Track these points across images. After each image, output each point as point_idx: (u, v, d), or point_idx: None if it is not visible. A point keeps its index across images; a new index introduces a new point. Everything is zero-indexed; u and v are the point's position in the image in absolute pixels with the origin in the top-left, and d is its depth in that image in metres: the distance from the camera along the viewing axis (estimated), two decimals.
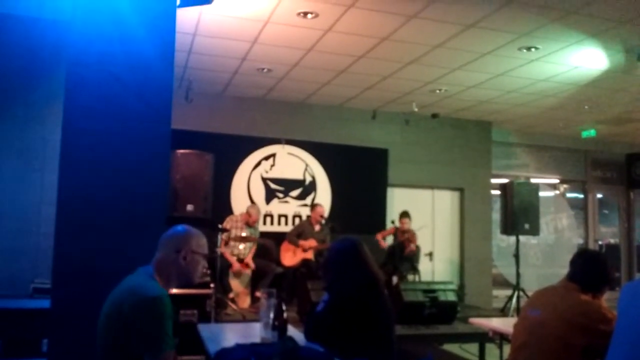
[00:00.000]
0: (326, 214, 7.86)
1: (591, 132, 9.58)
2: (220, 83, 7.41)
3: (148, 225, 3.32)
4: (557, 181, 10.70)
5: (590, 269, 2.74)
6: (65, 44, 3.44)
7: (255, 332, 2.85)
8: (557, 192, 10.74)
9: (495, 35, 5.46)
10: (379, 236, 7.71)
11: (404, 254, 7.51)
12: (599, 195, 11.08)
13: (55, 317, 3.15)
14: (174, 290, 4.90)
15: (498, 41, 5.61)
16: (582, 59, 6.07)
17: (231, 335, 3.17)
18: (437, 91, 7.51)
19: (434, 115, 8.71)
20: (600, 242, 10.72)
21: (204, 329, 3.24)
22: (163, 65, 3.48)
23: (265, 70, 6.78)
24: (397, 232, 7.61)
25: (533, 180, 9.35)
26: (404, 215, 7.69)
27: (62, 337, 3.11)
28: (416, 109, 8.12)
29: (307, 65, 6.52)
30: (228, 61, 6.47)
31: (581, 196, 10.94)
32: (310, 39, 5.70)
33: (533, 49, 5.79)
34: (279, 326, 2.63)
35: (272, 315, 2.65)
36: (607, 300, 2.79)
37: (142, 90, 3.40)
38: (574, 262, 2.81)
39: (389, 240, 7.89)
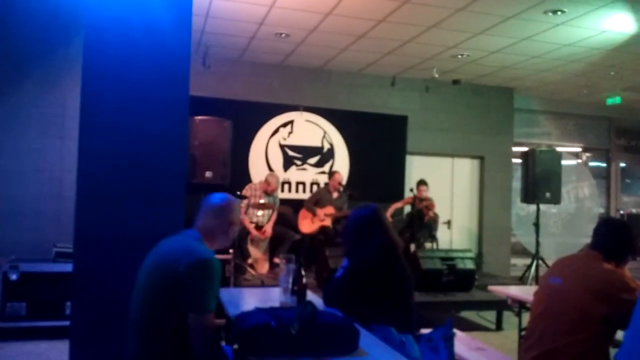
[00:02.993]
0: (344, 181, 7.85)
1: (616, 99, 9.34)
2: (238, 48, 7.34)
3: (167, 191, 3.34)
4: (579, 149, 10.52)
5: (615, 237, 2.70)
6: (82, 9, 3.41)
7: (275, 297, 2.87)
8: (580, 160, 10.57)
9: None
10: (392, 206, 7.63)
11: (423, 222, 7.47)
12: (622, 164, 10.88)
13: (77, 280, 3.20)
14: None
15: (523, 4, 5.43)
16: (610, 23, 5.87)
17: (251, 299, 3.20)
18: (459, 56, 7.35)
19: (455, 82, 8.55)
20: (621, 212, 10.57)
21: (224, 293, 3.27)
22: (180, 29, 3.44)
23: (283, 35, 6.69)
24: (415, 200, 7.55)
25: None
26: (422, 182, 7.63)
27: (85, 300, 3.17)
28: (437, 75, 7.98)
29: (325, 29, 6.41)
30: (245, 25, 6.39)
31: (604, 165, 10.76)
32: (329, 2, 5.58)
33: (559, 12, 5.61)
34: (299, 291, 2.63)
35: (291, 280, 2.65)
36: (630, 269, 2.76)
37: (160, 56, 3.38)
38: (597, 231, 2.77)
39: (407, 209, 7.86)
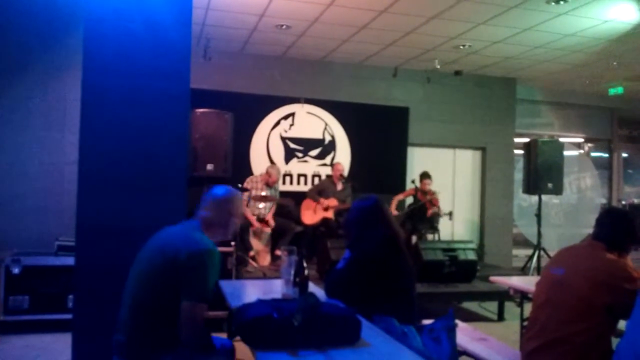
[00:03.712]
0: (345, 172, 7.85)
1: (618, 90, 9.30)
2: (239, 41, 7.31)
3: (168, 184, 3.34)
4: (582, 140, 10.49)
5: (617, 227, 2.69)
6: (82, 1, 3.39)
7: (277, 289, 2.87)
8: (582, 151, 10.54)
9: None
10: (395, 199, 7.62)
11: (426, 216, 7.46)
12: (624, 155, 10.85)
13: (79, 273, 3.21)
14: None
15: None
16: (613, 13, 5.83)
17: (252, 291, 3.21)
18: (461, 47, 7.32)
19: (457, 73, 8.51)
20: (624, 202, 10.55)
21: (226, 285, 3.28)
22: (181, 22, 3.44)
23: (284, 27, 6.66)
24: (417, 192, 7.54)
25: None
26: (425, 176, 7.61)
27: (87, 293, 3.18)
28: (439, 66, 7.94)
29: (326, 21, 6.38)
30: (246, 17, 6.36)
31: (606, 155, 10.73)
32: None
33: (562, 2, 5.57)
34: (301, 282, 2.63)
35: (293, 272, 2.65)
36: (632, 259, 2.75)
37: (161, 48, 3.38)
38: (600, 221, 2.76)
39: (409, 200, 7.85)
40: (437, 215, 7.56)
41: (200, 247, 2.25)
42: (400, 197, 7.71)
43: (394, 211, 7.50)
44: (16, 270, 5.06)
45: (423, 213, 7.45)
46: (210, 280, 2.24)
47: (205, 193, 2.57)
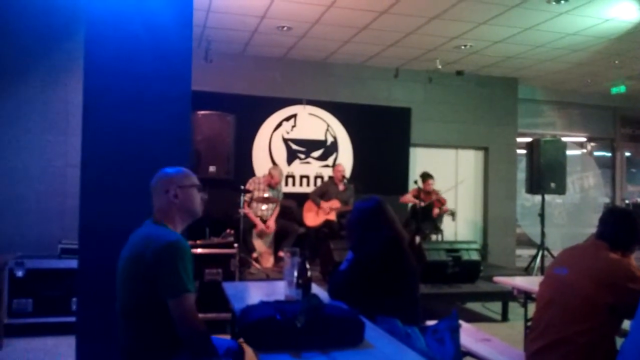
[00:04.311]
0: (347, 173, 7.84)
1: (621, 88, 9.27)
2: (240, 42, 7.32)
3: None
4: (584, 139, 10.46)
5: (621, 226, 2.68)
6: (83, 3, 3.40)
7: (280, 290, 2.87)
8: (585, 150, 10.52)
9: None
10: (407, 200, 7.61)
11: (431, 216, 7.44)
12: (627, 154, 10.82)
13: (82, 276, 3.21)
14: (199, 250, 4.96)
15: None
16: (614, 11, 5.82)
17: (256, 293, 3.20)
18: (462, 47, 7.31)
19: (459, 73, 8.51)
20: (627, 201, 10.52)
21: (229, 287, 3.28)
22: (181, 24, 3.43)
23: (285, 28, 6.66)
24: (419, 193, 7.53)
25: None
26: (427, 176, 7.59)
27: (90, 296, 3.18)
28: (440, 66, 7.94)
29: (327, 22, 6.38)
30: (247, 19, 6.36)
31: (609, 154, 10.70)
32: None
33: (562, 1, 5.56)
34: (304, 284, 2.62)
35: (296, 273, 2.65)
36: (636, 259, 2.74)
37: (162, 51, 3.37)
38: (603, 220, 2.75)
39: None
40: (443, 214, 7.55)
41: (163, 242, 2.15)
42: (407, 198, 7.67)
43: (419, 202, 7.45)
44: (20, 273, 5.07)
45: (428, 212, 7.44)
46: (185, 270, 2.14)
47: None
